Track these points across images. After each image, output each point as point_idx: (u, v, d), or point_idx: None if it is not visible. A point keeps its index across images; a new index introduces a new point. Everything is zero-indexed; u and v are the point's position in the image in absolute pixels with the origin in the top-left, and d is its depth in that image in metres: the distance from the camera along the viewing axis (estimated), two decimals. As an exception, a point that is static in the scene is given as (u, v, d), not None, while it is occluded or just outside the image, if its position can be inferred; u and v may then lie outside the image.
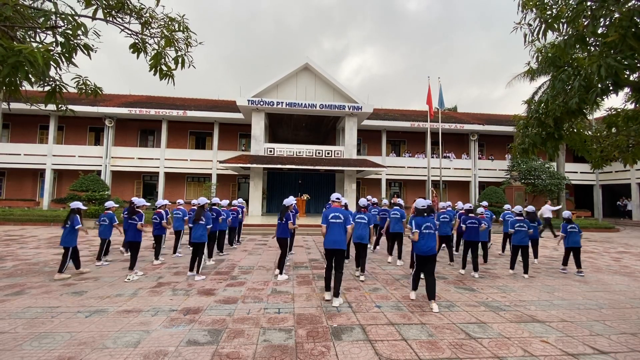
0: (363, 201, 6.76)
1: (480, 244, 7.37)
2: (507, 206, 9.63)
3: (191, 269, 6.22)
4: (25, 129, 21.40)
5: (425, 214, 5.08)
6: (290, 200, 6.42)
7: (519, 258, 7.25)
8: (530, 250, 8.02)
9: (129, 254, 6.38)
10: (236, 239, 10.11)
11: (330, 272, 5.02)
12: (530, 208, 8.20)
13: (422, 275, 5.07)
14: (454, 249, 8.89)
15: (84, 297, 4.91)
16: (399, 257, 7.78)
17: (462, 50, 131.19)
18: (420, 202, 5.16)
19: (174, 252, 8.26)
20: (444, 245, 8.68)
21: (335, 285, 4.83)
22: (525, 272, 6.85)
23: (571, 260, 7.29)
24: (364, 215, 6.34)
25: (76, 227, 6.14)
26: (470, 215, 7.02)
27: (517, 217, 7.30)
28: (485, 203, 9.62)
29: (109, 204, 7.27)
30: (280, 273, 6.26)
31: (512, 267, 7.11)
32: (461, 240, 8.45)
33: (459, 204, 9.01)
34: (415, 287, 5.19)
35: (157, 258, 7.40)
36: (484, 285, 6.06)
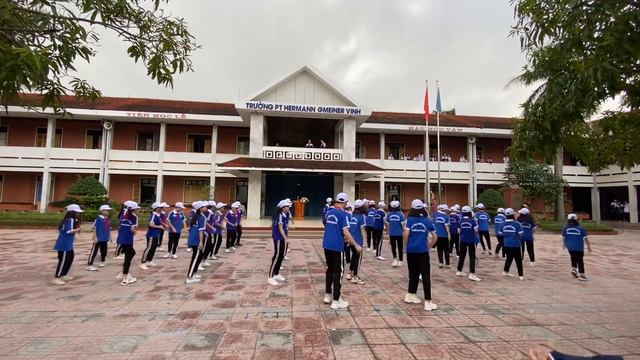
0: (358, 202, 6.96)
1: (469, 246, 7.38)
2: (500, 209, 9.57)
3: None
4: (23, 132, 21.35)
5: (421, 215, 5.16)
6: (284, 202, 6.44)
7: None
8: (527, 252, 8.10)
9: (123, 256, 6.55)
10: (236, 241, 10.23)
11: (331, 274, 4.96)
12: (524, 210, 8.19)
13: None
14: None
15: (81, 301, 4.87)
16: (400, 258, 7.87)
17: (467, 54, 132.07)
18: (416, 203, 5.36)
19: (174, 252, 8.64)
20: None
21: (332, 287, 4.84)
22: (520, 274, 6.84)
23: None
24: (354, 217, 6.27)
25: (67, 232, 5.97)
26: (464, 217, 7.20)
27: (507, 220, 7.27)
28: (481, 205, 9.65)
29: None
30: (277, 273, 6.25)
31: (506, 269, 7.07)
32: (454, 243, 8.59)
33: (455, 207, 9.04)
34: (411, 289, 5.16)
35: (150, 259, 7.46)
36: (483, 288, 6.05)
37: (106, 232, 7.26)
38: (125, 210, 6.61)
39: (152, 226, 7.50)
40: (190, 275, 6.11)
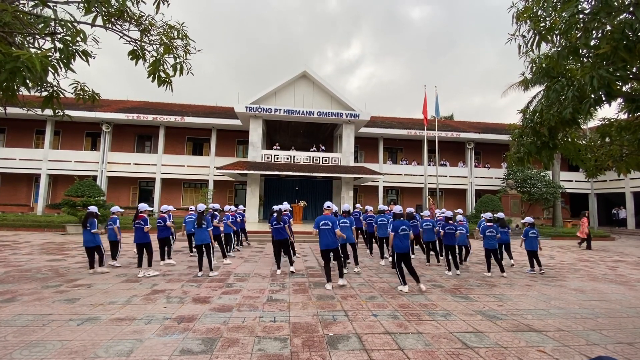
0: (346, 206, 7.89)
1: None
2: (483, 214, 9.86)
3: (200, 269, 6.84)
4: (21, 134, 21.30)
5: (402, 218, 6.15)
6: (284, 206, 7.47)
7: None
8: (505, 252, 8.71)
9: (137, 254, 7.06)
10: (237, 243, 10.36)
11: (329, 267, 6.20)
12: (500, 215, 8.67)
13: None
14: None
15: (77, 304, 4.83)
16: (382, 257, 8.70)
17: (468, 60, 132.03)
18: (397, 208, 6.37)
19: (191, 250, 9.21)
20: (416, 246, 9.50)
21: (339, 271, 6.20)
22: (502, 271, 7.53)
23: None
24: (346, 219, 7.26)
25: (92, 232, 6.68)
26: (449, 222, 7.77)
27: (487, 224, 7.70)
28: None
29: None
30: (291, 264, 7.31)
31: (489, 270, 7.60)
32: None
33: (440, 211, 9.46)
34: (404, 282, 6.02)
35: (169, 257, 8.07)
36: (481, 293, 6.04)
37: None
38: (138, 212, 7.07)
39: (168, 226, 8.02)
40: (212, 268, 6.90)
